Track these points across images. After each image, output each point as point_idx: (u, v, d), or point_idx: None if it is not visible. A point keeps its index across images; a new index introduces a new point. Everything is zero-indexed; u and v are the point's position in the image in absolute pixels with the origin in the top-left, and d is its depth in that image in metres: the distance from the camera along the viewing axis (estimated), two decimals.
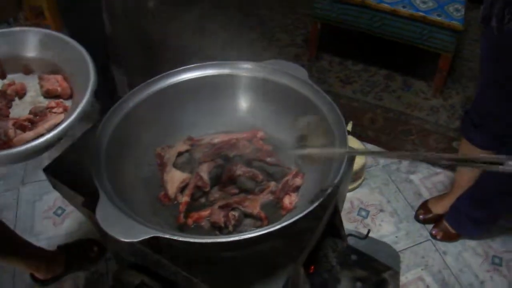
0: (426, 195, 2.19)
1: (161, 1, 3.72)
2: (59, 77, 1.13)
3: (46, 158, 2.34)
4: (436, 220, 2.04)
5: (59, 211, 2.14)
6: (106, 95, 2.06)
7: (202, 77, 1.21)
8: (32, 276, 1.80)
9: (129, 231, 0.81)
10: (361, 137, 2.41)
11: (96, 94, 1.95)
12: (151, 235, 0.80)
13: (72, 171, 1.20)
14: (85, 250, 1.88)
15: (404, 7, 2.49)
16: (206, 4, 3.71)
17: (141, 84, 1.16)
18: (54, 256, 1.79)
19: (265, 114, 1.23)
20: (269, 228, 0.81)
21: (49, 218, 2.12)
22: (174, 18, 3.53)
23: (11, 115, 1.08)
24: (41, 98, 1.13)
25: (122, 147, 1.08)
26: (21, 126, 1.00)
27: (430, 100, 2.73)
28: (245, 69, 1.21)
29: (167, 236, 0.80)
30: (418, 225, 2.07)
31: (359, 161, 2.09)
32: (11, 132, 0.97)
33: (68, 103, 1.11)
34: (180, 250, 0.98)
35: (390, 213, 2.12)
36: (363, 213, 2.12)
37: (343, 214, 2.08)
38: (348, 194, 2.18)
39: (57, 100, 1.10)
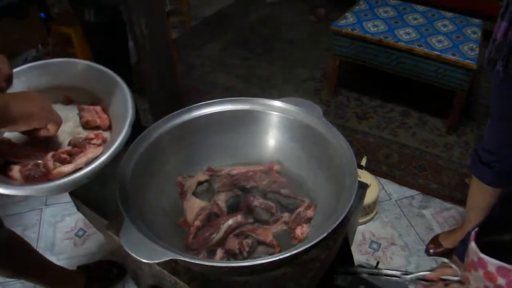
0: (438, 230, 2.22)
1: (185, 33, 3.85)
2: (98, 108, 1.17)
3: None
4: (446, 254, 2.06)
5: (80, 233, 2.21)
6: None
7: (223, 111, 1.27)
8: None
9: (150, 253, 0.88)
10: (375, 171, 2.46)
11: None
12: (171, 258, 0.86)
13: (97, 195, 1.27)
14: (104, 271, 1.93)
15: (420, 46, 2.56)
16: (228, 38, 3.82)
17: (165, 116, 1.23)
18: (74, 275, 1.85)
19: (281, 148, 1.30)
20: (281, 255, 0.87)
21: (70, 239, 2.19)
22: (197, 51, 3.65)
23: (50, 146, 1.11)
24: (80, 129, 1.17)
25: (146, 175, 1.14)
26: (60, 159, 1.03)
27: (444, 137, 2.78)
28: (263, 106, 1.28)
29: (186, 259, 0.86)
30: (428, 259, 2.09)
31: (372, 195, 2.14)
32: (50, 164, 1.01)
33: (106, 134, 1.15)
34: (196, 273, 1.04)
35: (401, 246, 2.15)
36: (375, 245, 2.16)
37: (355, 246, 2.13)
38: (361, 227, 2.22)
39: (96, 132, 1.13)
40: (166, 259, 0.86)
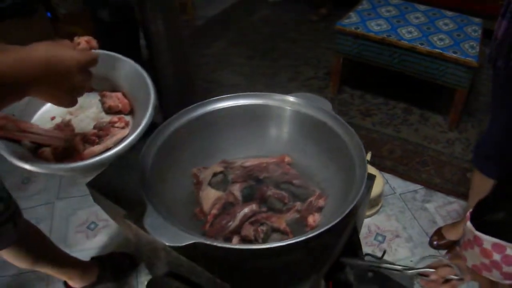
0: (441, 223, 2.27)
1: (190, 33, 3.88)
2: (119, 94, 1.19)
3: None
4: (449, 246, 2.12)
5: (92, 226, 2.27)
6: None
7: (236, 106, 1.32)
8: (65, 284, 1.90)
9: (174, 238, 0.93)
10: (379, 166, 2.51)
11: None
12: (194, 241, 0.92)
13: (114, 187, 1.33)
14: (117, 262, 1.99)
15: (422, 44, 2.62)
16: (232, 37, 3.86)
17: (181, 111, 1.27)
18: (88, 266, 1.90)
19: (292, 141, 1.35)
20: (297, 238, 0.92)
21: (82, 232, 2.25)
22: (202, 50, 3.69)
23: (77, 130, 1.13)
24: (103, 114, 1.19)
25: (164, 167, 1.19)
26: (89, 140, 1.07)
27: (446, 133, 2.84)
28: (274, 100, 1.33)
29: (208, 242, 0.92)
30: (432, 250, 2.15)
31: (377, 189, 2.19)
32: (80, 145, 1.05)
33: (128, 118, 1.17)
34: (213, 258, 1.09)
35: (406, 238, 2.21)
36: (380, 238, 2.21)
37: (361, 239, 2.18)
38: (366, 220, 2.27)
39: (118, 116, 1.16)
40: (190, 242, 0.91)
